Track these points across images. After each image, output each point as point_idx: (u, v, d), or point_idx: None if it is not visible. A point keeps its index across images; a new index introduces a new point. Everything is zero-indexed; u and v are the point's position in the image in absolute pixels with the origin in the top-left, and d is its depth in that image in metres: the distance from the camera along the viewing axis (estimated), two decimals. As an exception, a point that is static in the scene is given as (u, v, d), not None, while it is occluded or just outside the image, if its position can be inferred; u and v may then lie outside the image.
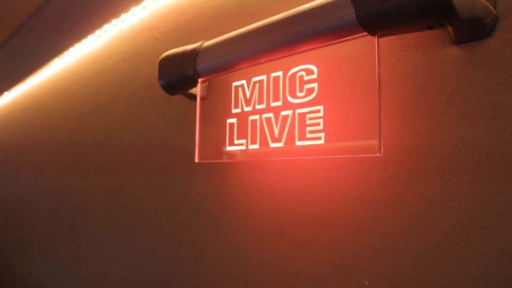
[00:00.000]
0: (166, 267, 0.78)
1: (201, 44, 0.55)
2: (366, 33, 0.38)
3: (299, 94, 0.44)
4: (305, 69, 0.44)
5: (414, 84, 0.42)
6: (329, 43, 0.41)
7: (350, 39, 0.40)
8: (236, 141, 0.50)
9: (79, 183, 1.13)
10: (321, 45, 0.42)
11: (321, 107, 0.42)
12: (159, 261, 0.80)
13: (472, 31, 0.37)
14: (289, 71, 0.45)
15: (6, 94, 1.71)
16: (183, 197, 0.74)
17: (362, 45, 0.39)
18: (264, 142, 0.47)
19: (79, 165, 1.13)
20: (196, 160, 0.55)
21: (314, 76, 0.43)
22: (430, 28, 0.35)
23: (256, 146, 0.48)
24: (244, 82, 0.50)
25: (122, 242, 0.93)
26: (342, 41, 0.40)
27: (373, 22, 0.36)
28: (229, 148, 0.51)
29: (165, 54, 0.60)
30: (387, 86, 0.44)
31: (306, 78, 0.44)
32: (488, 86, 0.37)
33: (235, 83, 0.51)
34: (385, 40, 0.44)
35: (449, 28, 0.39)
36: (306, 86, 0.43)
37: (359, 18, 0.37)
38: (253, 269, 0.60)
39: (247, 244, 0.61)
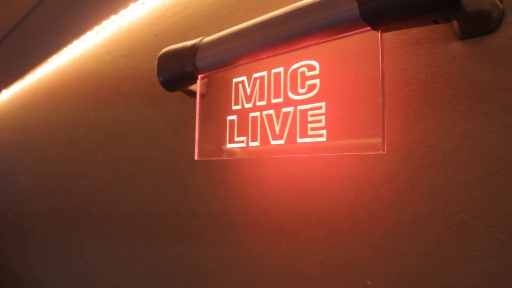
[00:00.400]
0: (165, 265, 0.78)
1: (201, 40, 0.54)
2: (369, 28, 0.37)
3: (300, 91, 0.43)
4: (307, 65, 0.43)
5: (418, 80, 0.42)
6: (331, 38, 0.40)
7: (353, 34, 0.39)
8: (236, 139, 0.50)
9: (77, 180, 1.12)
10: (323, 40, 0.41)
11: (323, 104, 0.41)
12: (158, 260, 0.80)
13: (478, 25, 0.37)
14: (290, 67, 0.45)
15: (4, 91, 1.70)
16: (182, 195, 0.73)
17: (365, 40, 0.38)
18: (265, 140, 0.46)
19: (78, 163, 1.12)
20: (196, 157, 0.54)
21: (316, 72, 0.42)
22: (435, 22, 0.34)
23: (256, 144, 0.47)
24: (244, 78, 0.49)
25: (121, 240, 0.93)
26: (344, 36, 0.39)
27: (377, 17, 0.35)
28: (229, 146, 0.51)
29: (164, 50, 0.59)
30: (391, 82, 0.43)
31: (307, 74, 0.43)
32: (493, 82, 0.37)
33: (235, 80, 0.50)
34: (388, 35, 0.43)
35: (454, 22, 0.38)
36: (308, 82, 0.43)
37: (362, 12, 0.36)
38: (253, 268, 0.59)
39: (248, 243, 0.60)
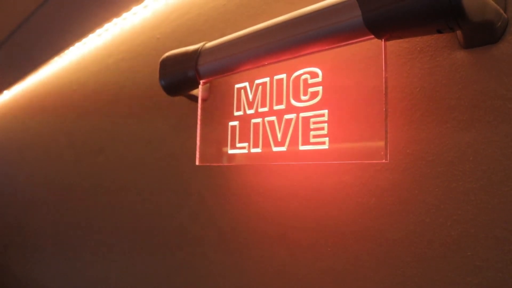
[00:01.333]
0: (165, 270, 0.78)
1: (203, 44, 0.54)
2: (372, 36, 0.37)
3: (303, 98, 0.43)
4: (310, 72, 0.43)
5: (421, 89, 0.41)
6: (334, 45, 0.40)
7: (356, 42, 0.39)
8: (238, 145, 0.50)
9: (78, 183, 1.12)
10: (326, 47, 0.41)
11: (325, 111, 0.41)
12: (158, 264, 0.80)
13: (482, 35, 0.37)
14: (293, 73, 0.44)
15: (6, 92, 1.70)
16: (183, 199, 0.73)
17: (368, 48, 0.38)
18: (266, 146, 0.46)
19: (78, 165, 1.12)
20: (197, 163, 0.54)
21: (319, 79, 0.42)
22: (439, 31, 0.34)
23: (258, 150, 0.47)
24: (246, 84, 0.49)
25: (122, 243, 0.92)
26: (348, 44, 0.39)
27: (380, 25, 0.35)
28: (230, 151, 0.50)
29: (167, 54, 0.59)
30: (394, 90, 0.43)
31: (310, 81, 0.43)
32: (497, 91, 0.36)
33: (237, 85, 0.50)
34: (391, 43, 0.43)
35: (458, 32, 0.38)
36: (311, 90, 0.43)
37: (366, 20, 0.36)
38: (253, 275, 0.59)
39: (248, 249, 0.60)
